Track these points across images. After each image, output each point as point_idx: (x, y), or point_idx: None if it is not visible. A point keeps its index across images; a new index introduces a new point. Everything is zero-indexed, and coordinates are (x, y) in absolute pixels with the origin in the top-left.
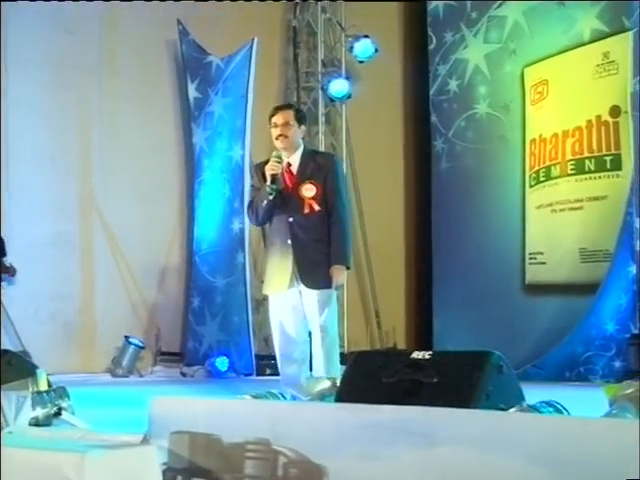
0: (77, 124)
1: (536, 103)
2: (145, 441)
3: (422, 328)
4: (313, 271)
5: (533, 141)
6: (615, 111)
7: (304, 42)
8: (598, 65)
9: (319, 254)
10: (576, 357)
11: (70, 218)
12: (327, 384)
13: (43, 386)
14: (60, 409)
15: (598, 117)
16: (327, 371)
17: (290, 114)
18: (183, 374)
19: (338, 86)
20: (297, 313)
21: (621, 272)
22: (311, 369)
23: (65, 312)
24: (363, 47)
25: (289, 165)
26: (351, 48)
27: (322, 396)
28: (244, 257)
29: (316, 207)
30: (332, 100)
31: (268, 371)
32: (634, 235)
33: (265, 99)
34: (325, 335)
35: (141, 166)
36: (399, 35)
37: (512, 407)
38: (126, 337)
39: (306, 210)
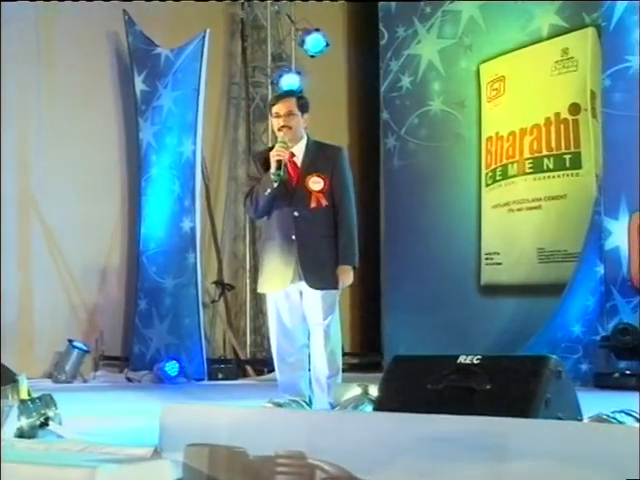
0: (14, 119)
1: (492, 100)
2: (156, 454)
3: (369, 331)
4: (319, 270)
5: (489, 139)
6: (575, 109)
7: (252, 36)
8: (557, 62)
9: (325, 252)
10: None
11: (6, 217)
12: (357, 391)
13: (24, 394)
14: (47, 419)
15: (557, 115)
16: (330, 376)
17: (292, 102)
18: (129, 379)
19: (289, 81)
20: (296, 314)
21: (588, 272)
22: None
23: (1, 315)
24: (314, 41)
25: (292, 156)
26: (302, 42)
27: (355, 404)
28: (195, 257)
29: (323, 202)
30: None
31: (220, 375)
32: (602, 235)
33: (208, 94)
34: (328, 339)
35: (81, 163)
36: (348, 29)
37: (571, 416)
38: (69, 341)
39: (312, 204)
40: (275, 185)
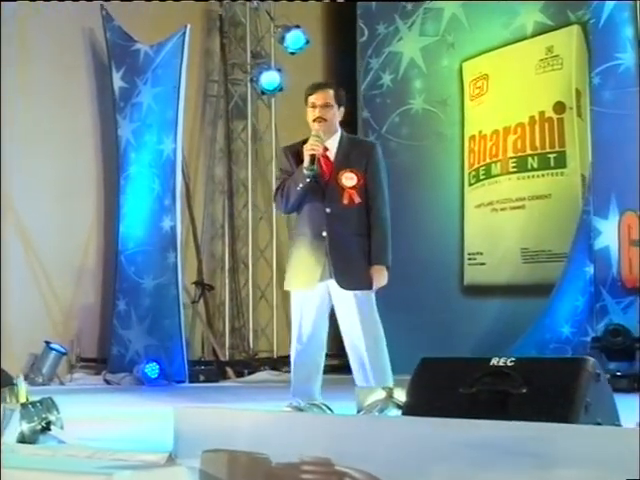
0: None
1: (475, 98)
2: (171, 460)
3: None
4: (349, 269)
5: (472, 138)
6: (560, 107)
7: (230, 33)
8: (541, 60)
9: (357, 251)
10: None
11: None
12: (382, 395)
13: (22, 398)
14: (49, 423)
15: (541, 113)
16: (378, 382)
17: (330, 94)
18: (107, 382)
19: (269, 78)
20: (321, 315)
21: (577, 273)
22: None
23: None
24: (294, 38)
25: (325, 149)
26: (282, 39)
27: (380, 408)
28: (176, 257)
29: (356, 199)
30: (263, 93)
31: (202, 377)
32: (591, 234)
33: (186, 92)
34: (372, 341)
35: (57, 160)
36: (325, 26)
37: (609, 421)
38: (47, 342)
39: (345, 201)
40: (308, 180)
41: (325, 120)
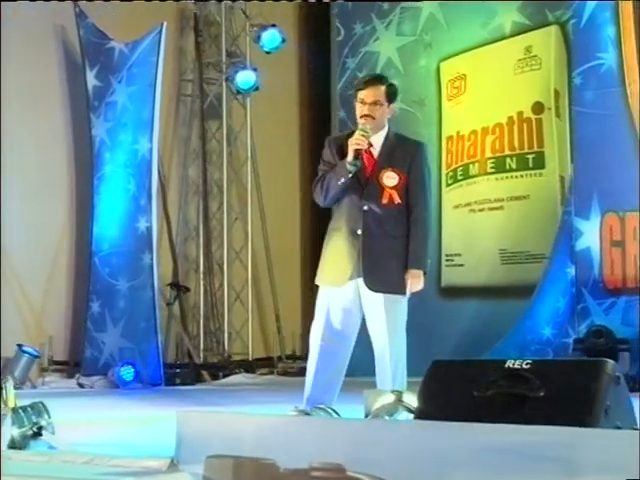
0: None
1: (453, 98)
2: (173, 466)
3: None
4: (381, 271)
5: (450, 138)
6: (538, 108)
7: (205, 32)
8: (520, 60)
9: (392, 253)
10: None
11: None
12: (390, 398)
13: (12, 402)
14: (40, 428)
15: (520, 114)
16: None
17: (381, 91)
18: (81, 385)
19: (245, 77)
20: (348, 316)
21: (558, 274)
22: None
23: None
24: (270, 37)
25: (370, 146)
26: (257, 38)
27: (389, 412)
28: (151, 258)
29: (396, 199)
30: (238, 92)
31: (178, 380)
32: (573, 235)
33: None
34: (392, 348)
35: (27, 160)
36: (299, 26)
37: (628, 425)
38: (19, 345)
39: (384, 200)
40: (350, 175)
41: (373, 118)
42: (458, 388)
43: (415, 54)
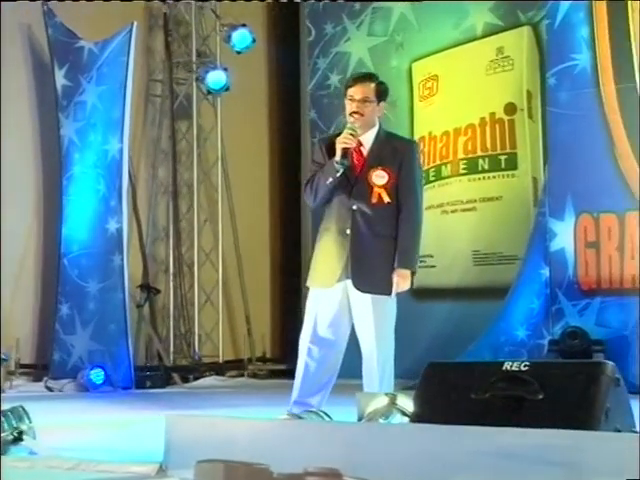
0: None
1: (425, 99)
2: (162, 472)
3: (291, 336)
4: (369, 272)
5: (422, 139)
6: (510, 109)
7: (175, 31)
8: (492, 61)
9: (380, 253)
10: None
11: None
12: (384, 401)
13: None
14: (21, 433)
15: (492, 115)
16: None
17: (370, 88)
18: (49, 388)
19: (215, 77)
20: (337, 318)
21: (532, 275)
22: None
23: None
24: (241, 37)
25: (360, 144)
26: (228, 38)
27: (384, 416)
28: (122, 259)
29: (385, 198)
30: (209, 92)
31: (149, 383)
32: (547, 236)
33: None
34: (380, 350)
35: None
36: (268, 25)
37: (627, 428)
38: None
39: (373, 200)
40: (338, 175)
41: (362, 115)
42: (455, 390)
43: (387, 55)
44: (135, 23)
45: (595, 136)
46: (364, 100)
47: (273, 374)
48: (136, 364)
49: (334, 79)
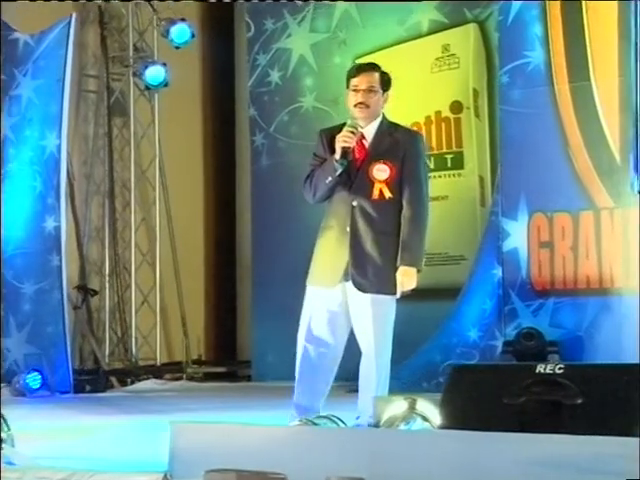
0: None
1: None
2: None
3: (226, 339)
4: (369, 270)
5: None
6: (456, 107)
7: (111, 25)
8: (438, 58)
9: (381, 251)
10: (435, 366)
11: None
12: (403, 406)
13: None
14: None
15: (438, 113)
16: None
17: (375, 77)
18: None
19: (154, 72)
20: (334, 319)
21: (485, 275)
22: None
23: None
24: (179, 31)
25: (362, 137)
26: (166, 32)
27: (405, 421)
28: (60, 260)
29: (387, 193)
30: (147, 88)
31: (88, 388)
32: (499, 236)
33: None
34: (378, 352)
35: None
36: (203, 20)
37: None
38: None
39: (374, 195)
40: (337, 174)
41: (368, 106)
42: (486, 395)
43: (329, 51)
44: (74, 15)
45: (549, 135)
46: (369, 90)
47: (209, 377)
48: (74, 368)
49: (275, 76)
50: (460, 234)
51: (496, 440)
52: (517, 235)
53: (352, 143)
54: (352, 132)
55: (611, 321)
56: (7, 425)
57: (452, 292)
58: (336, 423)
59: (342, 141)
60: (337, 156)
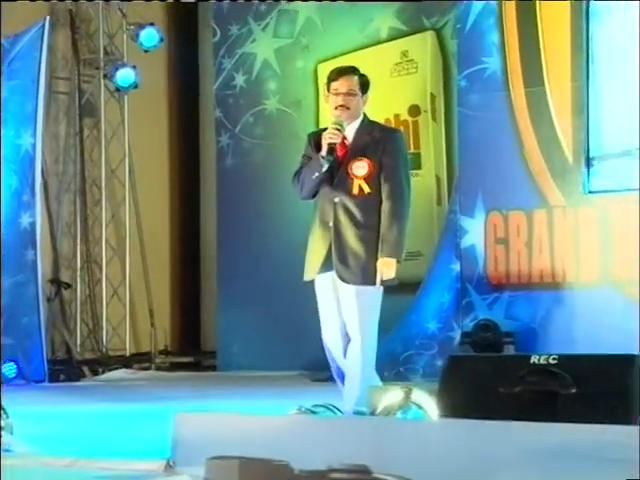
0: None
1: None
2: (169, 468)
3: (189, 329)
4: (352, 262)
5: None
6: (414, 110)
7: (81, 28)
8: (396, 64)
9: (363, 244)
10: (395, 356)
11: None
12: (398, 395)
13: None
14: None
15: (397, 116)
16: (361, 383)
17: (354, 80)
18: None
19: (125, 75)
20: (330, 307)
21: (443, 270)
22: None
23: None
24: (148, 35)
25: (344, 136)
26: (136, 36)
27: (402, 410)
28: (35, 254)
29: (366, 189)
30: (117, 89)
31: (62, 377)
32: (458, 233)
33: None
34: (362, 341)
35: None
36: (168, 24)
37: None
38: None
39: (354, 191)
40: (323, 169)
41: (348, 108)
42: (481, 385)
43: (292, 56)
44: (48, 18)
45: (505, 137)
46: (349, 93)
47: (176, 366)
48: (48, 358)
49: (240, 79)
50: (417, 231)
51: (497, 428)
52: (474, 232)
53: (337, 139)
54: (337, 129)
55: (563, 314)
56: (6, 413)
57: (411, 286)
58: (333, 412)
59: (328, 137)
60: (323, 152)
